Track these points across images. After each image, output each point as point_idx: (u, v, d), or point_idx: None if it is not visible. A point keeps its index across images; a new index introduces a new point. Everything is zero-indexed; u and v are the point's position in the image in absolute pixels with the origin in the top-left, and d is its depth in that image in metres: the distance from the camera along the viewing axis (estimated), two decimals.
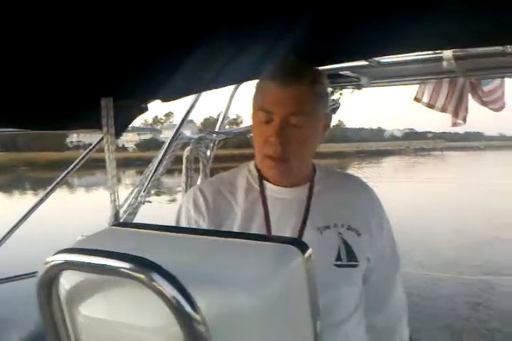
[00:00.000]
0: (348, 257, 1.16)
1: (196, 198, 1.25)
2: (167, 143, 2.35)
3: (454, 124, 2.95)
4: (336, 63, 2.14)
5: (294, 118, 1.12)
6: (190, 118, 2.71)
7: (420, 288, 6.24)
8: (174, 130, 2.48)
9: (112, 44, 1.11)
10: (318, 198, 1.22)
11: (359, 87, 2.93)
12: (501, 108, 2.93)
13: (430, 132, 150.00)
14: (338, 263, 1.15)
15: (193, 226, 1.22)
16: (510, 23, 1.22)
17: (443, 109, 2.82)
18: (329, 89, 3.07)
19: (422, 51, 2.09)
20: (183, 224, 1.25)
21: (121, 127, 1.88)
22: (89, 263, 0.51)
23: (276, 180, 1.23)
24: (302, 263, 0.62)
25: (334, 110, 3.06)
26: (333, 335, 1.12)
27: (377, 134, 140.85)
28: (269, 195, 1.23)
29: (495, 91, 2.85)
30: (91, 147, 2.24)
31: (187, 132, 2.61)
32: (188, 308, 0.46)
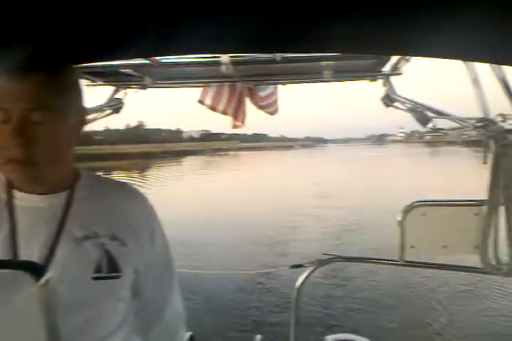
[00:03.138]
0: (109, 269, 1.04)
1: None
2: None
3: (234, 126, 3.05)
4: (112, 60, 1.98)
5: (35, 114, 0.95)
6: None
7: None
8: None
9: None
10: (79, 206, 1.07)
11: (144, 87, 2.80)
12: (275, 112, 3.13)
13: (224, 133, 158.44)
14: (97, 275, 1.02)
15: None
16: (275, 32, 1.23)
17: (224, 112, 2.89)
18: (112, 88, 2.89)
19: (200, 54, 2.06)
20: None
21: None
22: None
23: (26, 186, 1.04)
24: (35, 291, 0.50)
25: (118, 109, 2.87)
26: None
27: (177, 135, 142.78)
28: (19, 204, 1.03)
29: (270, 96, 3.03)
30: None
31: None
32: None
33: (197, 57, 2.23)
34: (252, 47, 1.63)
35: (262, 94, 2.98)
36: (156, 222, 1.21)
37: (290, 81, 2.76)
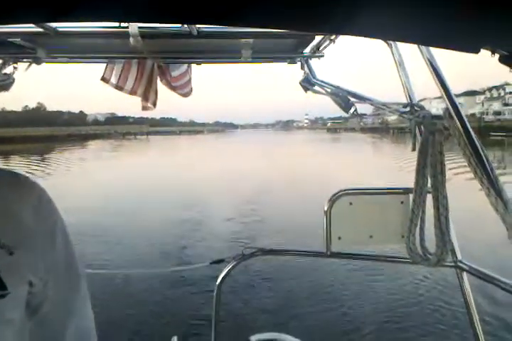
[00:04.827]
0: None
1: None
2: None
3: (144, 108, 2.73)
4: None
5: None
6: None
7: None
8: None
9: None
10: None
11: (37, 60, 2.39)
12: (188, 93, 2.86)
13: (131, 117, 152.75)
14: None
15: None
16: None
17: (132, 92, 2.56)
18: None
19: (103, 21, 1.74)
20: None
21: None
22: None
23: None
24: None
25: (6, 86, 2.44)
26: None
27: (81, 118, 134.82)
28: None
29: (183, 77, 2.75)
30: None
31: None
32: None
33: (100, 27, 1.91)
34: (166, 16, 1.37)
35: (174, 73, 2.70)
36: (56, 217, 0.93)
37: (206, 60, 2.52)
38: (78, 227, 7.90)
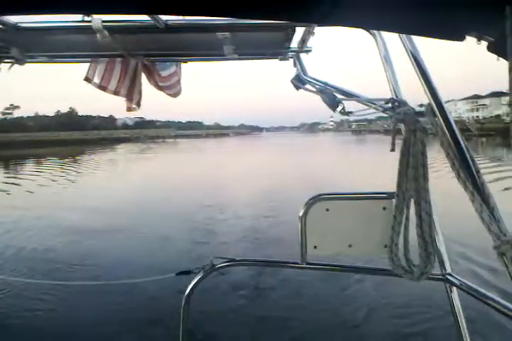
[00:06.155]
0: None
1: None
2: None
3: (129, 109, 2.60)
4: None
5: None
6: None
7: None
8: None
9: None
10: None
11: (19, 61, 2.30)
12: (177, 94, 2.72)
13: (159, 121, 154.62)
14: None
15: None
16: None
17: (116, 92, 2.44)
18: None
19: (56, 13, 1.61)
20: None
21: None
22: None
23: None
24: None
25: None
26: None
27: (111, 122, 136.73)
28: None
29: (172, 77, 2.62)
30: None
31: None
32: None
33: (63, 21, 1.79)
34: (128, 7, 1.24)
35: (163, 73, 2.56)
36: None
37: (187, 58, 2.38)
38: None
